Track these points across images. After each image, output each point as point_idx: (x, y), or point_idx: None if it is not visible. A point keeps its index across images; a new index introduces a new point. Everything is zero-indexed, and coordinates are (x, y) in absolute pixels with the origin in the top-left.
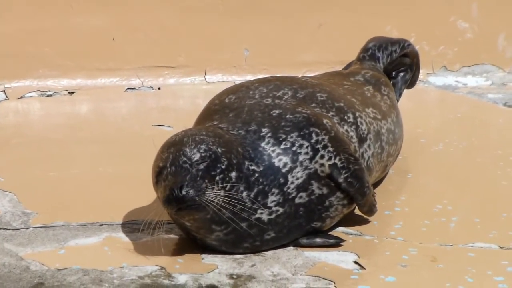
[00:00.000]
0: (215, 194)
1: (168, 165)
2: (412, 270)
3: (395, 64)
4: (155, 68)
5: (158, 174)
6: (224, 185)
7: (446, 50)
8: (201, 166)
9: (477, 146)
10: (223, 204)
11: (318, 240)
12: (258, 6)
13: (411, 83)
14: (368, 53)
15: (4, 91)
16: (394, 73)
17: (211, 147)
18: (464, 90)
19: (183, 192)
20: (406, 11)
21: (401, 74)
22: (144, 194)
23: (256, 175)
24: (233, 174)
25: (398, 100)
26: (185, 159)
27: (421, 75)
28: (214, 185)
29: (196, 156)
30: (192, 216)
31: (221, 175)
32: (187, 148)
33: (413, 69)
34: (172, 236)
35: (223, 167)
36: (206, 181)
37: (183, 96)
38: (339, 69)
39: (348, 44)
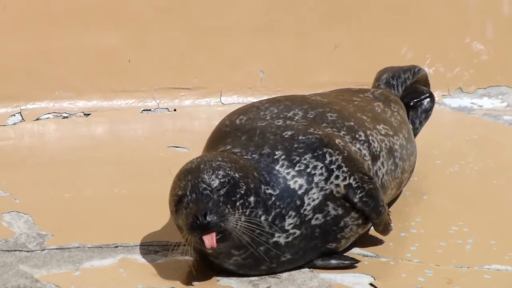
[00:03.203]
0: (236, 220)
1: (188, 192)
2: None
3: (414, 92)
4: (171, 89)
5: (178, 203)
6: (244, 210)
7: (461, 72)
8: (222, 192)
9: (493, 168)
10: (244, 229)
11: (333, 261)
12: (274, 27)
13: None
14: (384, 82)
15: (20, 113)
16: (412, 102)
17: (229, 172)
18: (480, 112)
19: (208, 219)
20: (421, 33)
21: (419, 103)
22: (159, 215)
23: (273, 198)
24: (252, 199)
25: (418, 129)
26: (204, 185)
27: (436, 97)
28: (235, 211)
29: (216, 183)
30: (219, 246)
31: (241, 200)
32: (205, 175)
33: (434, 98)
34: (187, 258)
35: (242, 192)
36: (229, 206)
37: (199, 117)
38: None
39: (364, 66)
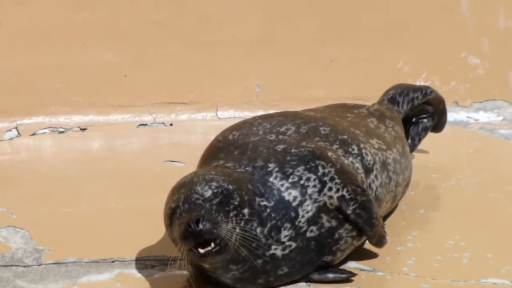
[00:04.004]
0: (231, 230)
1: (180, 204)
2: None
3: (417, 110)
4: (167, 104)
5: (172, 215)
6: (238, 221)
7: (457, 86)
8: (214, 202)
9: (489, 182)
10: (240, 241)
11: (329, 275)
12: (270, 42)
13: (438, 127)
14: (389, 97)
15: (16, 127)
16: (414, 119)
17: (222, 184)
18: (476, 125)
19: (200, 226)
20: (417, 47)
21: (421, 121)
22: (156, 230)
23: (268, 210)
24: (246, 211)
25: (416, 145)
26: (197, 196)
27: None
28: (228, 219)
29: (208, 193)
30: (215, 260)
31: (235, 211)
32: (198, 187)
33: (435, 117)
34: (184, 272)
35: (236, 203)
36: (221, 214)
37: (195, 132)
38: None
39: (360, 80)
